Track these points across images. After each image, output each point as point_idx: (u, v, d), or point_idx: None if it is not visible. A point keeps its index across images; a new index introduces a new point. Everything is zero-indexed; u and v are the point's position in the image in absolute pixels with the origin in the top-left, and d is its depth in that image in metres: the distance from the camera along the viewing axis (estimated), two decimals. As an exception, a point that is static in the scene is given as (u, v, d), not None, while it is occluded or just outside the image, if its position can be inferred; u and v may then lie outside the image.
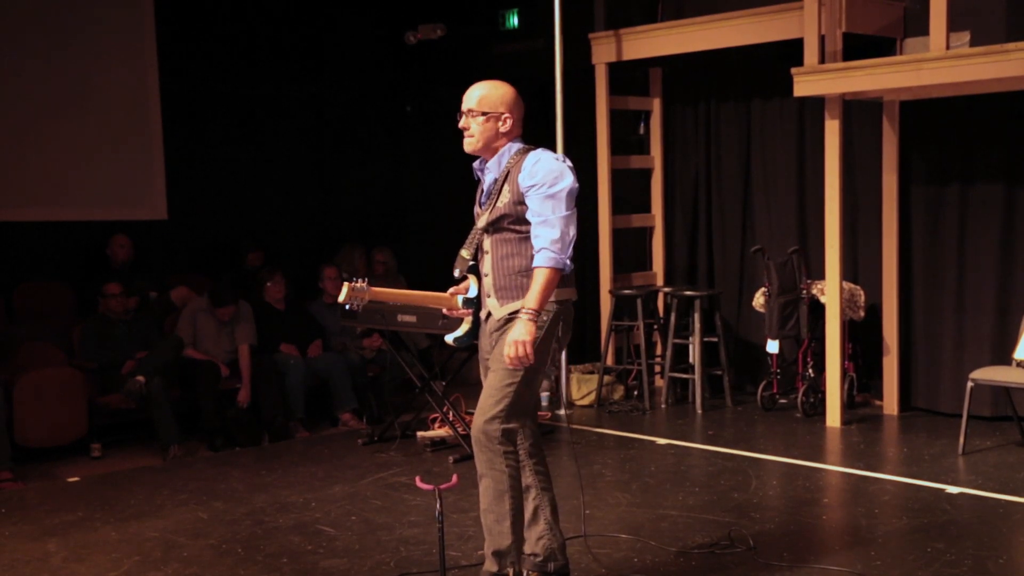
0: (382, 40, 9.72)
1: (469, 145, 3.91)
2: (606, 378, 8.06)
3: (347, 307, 3.91)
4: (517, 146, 3.91)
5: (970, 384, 6.19)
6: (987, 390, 6.74)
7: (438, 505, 3.84)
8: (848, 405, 7.27)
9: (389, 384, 7.94)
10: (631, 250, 8.66)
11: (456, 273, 4.02)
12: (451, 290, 4.09)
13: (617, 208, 8.31)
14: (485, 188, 3.96)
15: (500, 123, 3.88)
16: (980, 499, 5.38)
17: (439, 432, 6.77)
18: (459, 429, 6.57)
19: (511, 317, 3.83)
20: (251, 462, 6.60)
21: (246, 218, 8.92)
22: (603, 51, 8.05)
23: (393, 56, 9.74)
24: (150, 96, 8.52)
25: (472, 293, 4.03)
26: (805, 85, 6.78)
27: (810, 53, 6.80)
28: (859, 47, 6.93)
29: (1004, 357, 6.61)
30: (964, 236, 7.11)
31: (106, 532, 5.19)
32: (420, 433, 6.79)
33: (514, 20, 9.14)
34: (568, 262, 3.76)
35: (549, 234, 3.71)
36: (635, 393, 8.01)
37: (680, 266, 8.63)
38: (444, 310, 4.14)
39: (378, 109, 9.88)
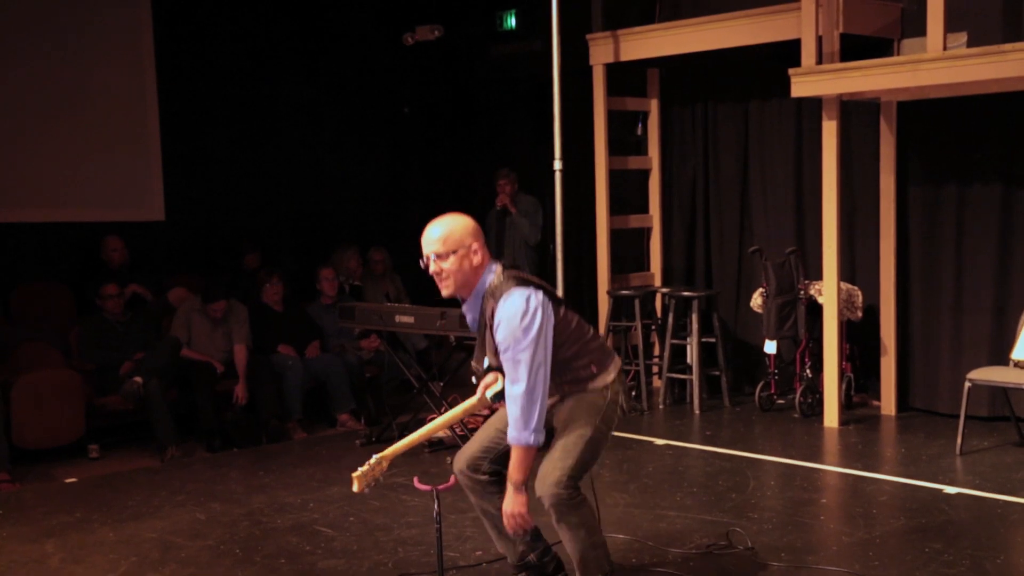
0: (379, 41, 9.71)
1: (447, 290, 3.77)
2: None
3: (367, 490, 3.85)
4: (490, 279, 3.74)
5: (967, 384, 6.20)
6: (984, 390, 6.75)
7: (436, 506, 3.84)
8: (846, 405, 7.28)
9: (387, 385, 7.96)
10: (629, 251, 8.65)
11: (474, 380, 3.98)
12: (481, 386, 4.00)
13: (615, 209, 8.30)
14: (470, 324, 3.88)
15: (470, 258, 3.73)
16: (978, 499, 5.39)
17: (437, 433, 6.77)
18: (457, 430, 6.57)
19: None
20: (249, 463, 6.61)
21: (244, 219, 8.92)
22: (601, 52, 8.05)
23: (390, 57, 9.74)
24: (147, 97, 8.52)
25: (500, 385, 3.92)
26: (802, 86, 6.78)
27: (807, 54, 6.81)
28: (856, 48, 6.94)
29: (1002, 357, 6.62)
30: (962, 236, 7.12)
31: (104, 533, 5.20)
32: (418, 434, 6.79)
33: (512, 21, 9.15)
34: (537, 437, 3.62)
35: (513, 410, 3.63)
36: (633, 394, 7.97)
37: (678, 267, 8.62)
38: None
39: (375, 110, 9.88)
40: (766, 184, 8.08)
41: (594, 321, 8.31)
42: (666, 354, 7.89)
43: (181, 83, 8.66)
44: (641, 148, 8.69)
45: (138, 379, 6.89)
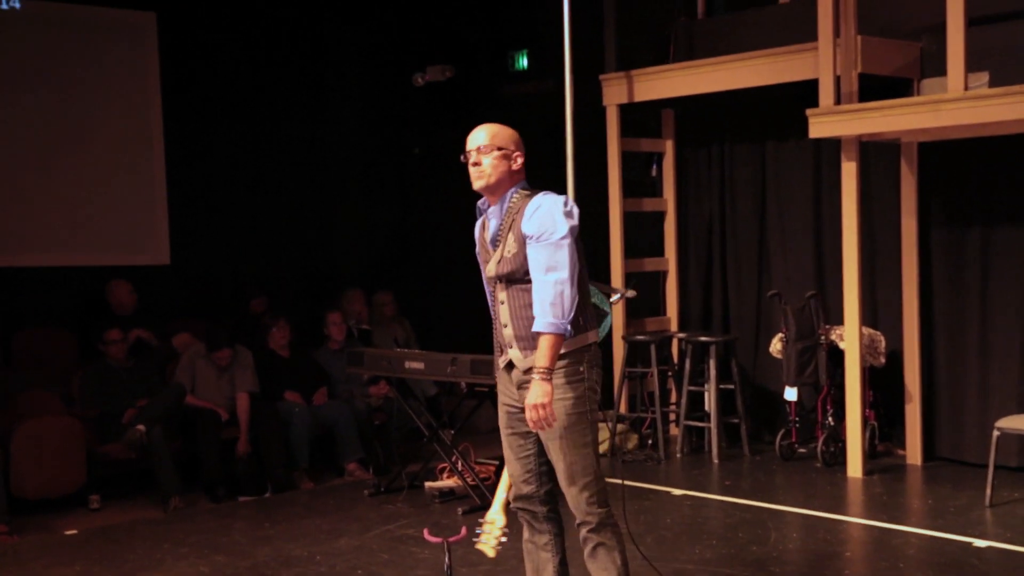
0: (389, 81, 9.79)
1: (480, 181, 3.85)
2: (619, 426, 8.00)
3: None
4: (520, 189, 3.88)
5: (996, 433, 6.13)
6: (1014, 439, 6.67)
7: (447, 558, 3.81)
8: (869, 454, 7.21)
9: (396, 433, 7.92)
10: (644, 295, 8.56)
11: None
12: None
13: (630, 252, 8.30)
14: (490, 234, 3.93)
15: (512, 162, 3.86)
16: (1009, 553, 5.31)
17: (448, 483, 6.73)
18: (468, 479, 6.52)
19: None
20: (254, 514, 6.57)
21: (249, 263, 8.94)
22: (614, 92, 8.08)
23: (400, 98, 9.80)
24: (153, 139, 8.58)
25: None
26: (821, 126, 6.78)
27: (825, 94, 6.81)
28: (875, 88, 6.94)
29: (1030, 405, 6.56)
30: (987, 279, 7.07)
31: (104, 587, 5.15)
32: (428, 484, 6.76)
33: (523, 61, 9.22)
34: (568, 326, 3.66)
35: (547, 295, 3.64)
36: (649, 442, 7.95)
37: (695, 311, 8.60)
38: None
39: (385, 151, 9.92)
40: (784, 226, 8.07)
41: (609, 367, 8.27)
42: (683, 401, 7.85)
43: (187, 124, 8.72)
44: (656, 190, 8.70)
45: (141, 427, 6.88)
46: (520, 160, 3.88)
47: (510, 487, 4.02)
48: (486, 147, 3.84)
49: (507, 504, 3.95)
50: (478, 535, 4.01)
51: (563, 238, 3.68)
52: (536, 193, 3.84)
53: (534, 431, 3.75)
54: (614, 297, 4.05)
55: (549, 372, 3.65)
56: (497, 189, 3.86)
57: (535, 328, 3.67)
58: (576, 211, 3.76)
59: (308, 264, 9.36)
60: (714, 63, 7.57)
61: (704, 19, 8.47)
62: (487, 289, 4.01)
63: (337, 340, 8.07)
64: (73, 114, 8.21)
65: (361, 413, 7.74)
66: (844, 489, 6.78)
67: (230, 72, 9.02)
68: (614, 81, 8.08)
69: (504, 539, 3.90)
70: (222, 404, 7.39)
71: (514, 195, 3.86)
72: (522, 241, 3.76)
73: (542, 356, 3.65)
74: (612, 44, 8.20)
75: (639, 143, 8.48)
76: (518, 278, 3.81)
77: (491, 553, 3.84)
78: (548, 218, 3.70)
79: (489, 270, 3.90)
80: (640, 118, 8.41)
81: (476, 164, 3.85)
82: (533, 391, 3.64)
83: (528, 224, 3.74)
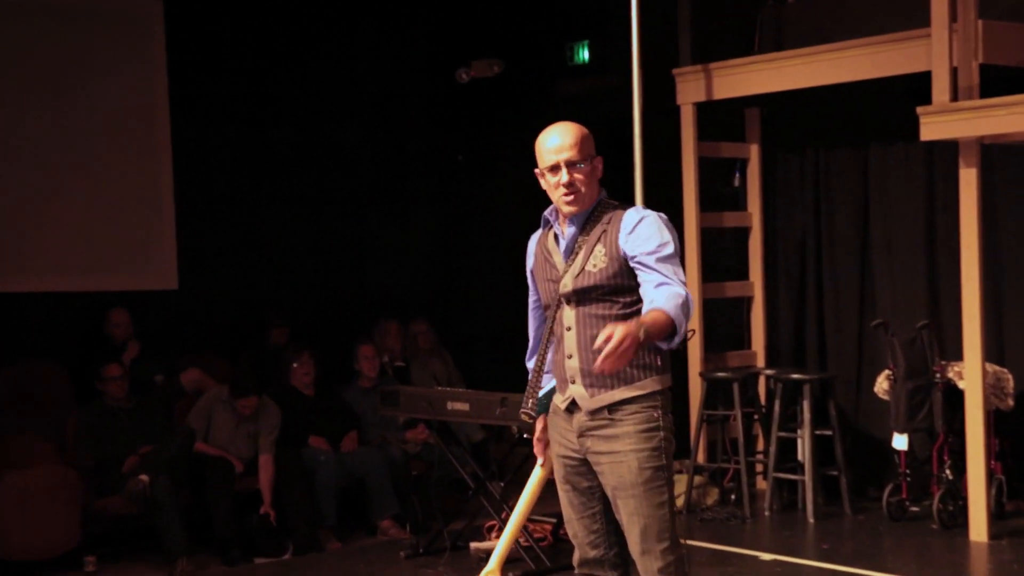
0: (429, 79, 9.83)
1: (575, 206, 3.81)
2: (696, 479, 7.98)
3: None
4: (604, 197, 3.89)
5: None
6: None
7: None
8: (996, 514, 7.10)
9: (437, 485, 7.91)
10: (725, 324, 8.63)
11: (527, 418, 3.99)
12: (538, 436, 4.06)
13: (708, 275, 8.29)
14: (564, 243, 3.89)
15: (597, 168, 3.86)
16: None
17: (496, 543, 6.69)
18: (521, 540, 6.49)
19: (611, 412, 3.77)
20: (273, 579, 6.57)
21: (268, 288, 8.99)
22: (690, 89, 8.08)
23: (442, 97, 9.84)
24: (159, 145, 8.64)
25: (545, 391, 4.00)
26: (934, 127, 6.76)
27: (940, 89, 6.78)
28: (999, 81, 6.88)
29: None
30: None
31: (101, 663, 5.17)
32: (474, 544, 6.76)
33: (584, 54, 9.21)
34: (677, 339, 3.64)
35: (675, 292, 3.61)
36: (732, 497, 7.93)
37: (785, 344, 8.58)
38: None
39: (423, 159, 9.96)
40: (891, 244, 8.02)
41: (684, 409, 8.22)
42: (772, 450, 7.81)
43: (198, 129, 8.79)
44: (739, 202, 8.70)
45: (144, 477, 6.88)
46: (601, 165, 3.87)
47: (512, 540, 3.98)
48: (577, 159, 3.79)
49: (503, 561, 3.94)
50: None
51: (676, 253, 3.73)
52: (624, 205, 3.86)
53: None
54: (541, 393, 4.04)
55: (648, 333, 3.50)
56: (584, 206, 3.85)
57: (656, 305, 3.58)
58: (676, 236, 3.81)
59: (336, 289, 9.37)
60: (808, 54, 7.58)
61: (795, 2, 8.42)
62: (538, 311, 4.01)
63: (369, 377, 8.07)
64: (67, 118, 8.31)
65: (396, 462, 7.72)
66: (966, 556, 6.69)
67: (247, 70, 9.08)
68: (689, 76, 8.08)
69: None
70: (237, 456, 7.42)
71: (598, 204, 3.85)
72: (616, 258, 3.76)
73: (649, 318, 3.53)
74: (687, 33, 8.22)
75: (719, 148, 8.47)
76: (594, 297, 3.79)
77: None
78: (655, 231, 3.73)
79: (564, 284, 3.85)
80: (720, 119, 8.41)
81: (570, 184, 3.78)
82: (627, 325, 3.49)
83: (634, 240, 3.73)
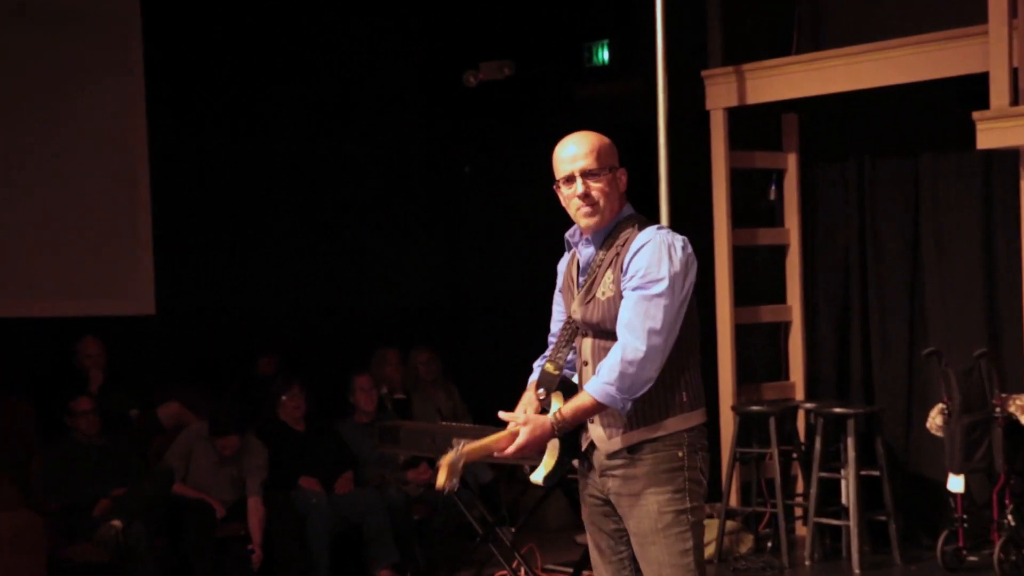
0: (432, 82, 9.85)
1: (593, 219, 3.80)
2: (729, 524, 7.95)
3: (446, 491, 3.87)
4: (630, 213, 3.85)
5: None
6: None
7: None
8: (1064, 564, 7.04)
9: (441, 530, 7.95)
10: (760, 353, 8.60)
11: (541, 394, 3.90)
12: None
13: (741, 297, 8.26)
14: (582, 263, 3.89)
15: (619, 180, 3.84)
16: None
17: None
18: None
19: (631, 452, 3.76)
20: (258, 637, 6.52)
21: (255, 314, 8.97)
22: (721, 93, 8.09)
23: (447, 102, 9.84)
24: (135, 156, 8.67)
25: (545, 471, 3.94)
26: (992, 134, 6.79)
27: (998, 92, 6.79)
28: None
29: None
30: None
31: None
32: (482, 598, 6.68)
33: (604, 55, 9.20)
34: (630, 405, 3.67)
35: (617, 358, 3.64)
36: (768, 545, 7.88)
37: (826, 374, 8.54)
38: None
39: (426, 171, 10.00)
40: (944, 265, 7.98)
41: (715, 447, 8.20)
42: (813, 492, 7.75)
43: (179, 137, 8.80)
44: (775, 218, 8.68)
45: (117, 522, 6.88)
46: (625, 178, 3.87)
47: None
48: (594, 169, 3.77)
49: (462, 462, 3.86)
50: None
51: (666, 292, 3.64)
52: (648, 224, 3.81)
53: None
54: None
55: (562, 425, 3.68)
56: (604, 222, 3.82)
57: (586, 386, 3.70)
58: (693, 264, 3.75)
59: (329, 315, 9.36)
60: (851, 54, 7.61)
61: (836, -1, 8.47)
62: (554, 337, 3.97)
63: (366, 411, 8.07)
64: (34, 125, 8.31)
65: (396, 505, 7.70)
66: (1031, 611, 6.61)
67: (231, 75, 9.09)
68: (720, 78, 8.09)
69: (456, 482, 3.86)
70: (219, 499, 7.42)
71: (620, 221, 3.82)
72: (620, 284, 3.74)
73: (570, 407, 3.69)
74: (717, 32, 8.24)
75: (753, 157, 8.46)
76: (607, 330, 3.75)
77: (442, 480, 3.79)
78: (655, 256, 3.68)
79: (574, 311, 3.86)
80: (754, 125, 8.39)
81: (586, 196, 3.77)
82: (531, 424, 3.69)
83: (631, 268, 3.72)
